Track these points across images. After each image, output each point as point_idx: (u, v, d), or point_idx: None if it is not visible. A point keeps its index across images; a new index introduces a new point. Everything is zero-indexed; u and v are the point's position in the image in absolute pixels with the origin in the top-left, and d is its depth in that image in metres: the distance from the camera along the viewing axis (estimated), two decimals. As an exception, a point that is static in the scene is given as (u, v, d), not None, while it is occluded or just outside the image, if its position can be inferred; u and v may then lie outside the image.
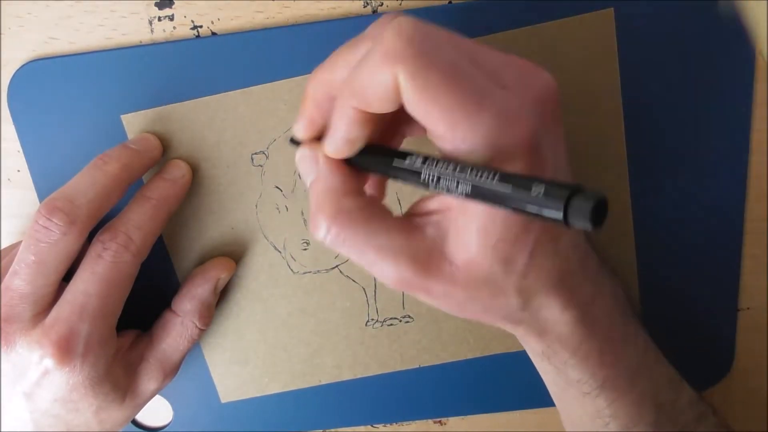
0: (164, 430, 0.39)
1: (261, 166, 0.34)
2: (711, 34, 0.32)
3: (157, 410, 0.39)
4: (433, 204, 0.26)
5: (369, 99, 0.24)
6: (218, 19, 0.33)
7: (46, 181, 0.35)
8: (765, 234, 0.35)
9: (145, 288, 0.33)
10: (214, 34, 0.33)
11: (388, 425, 0.39)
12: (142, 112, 0.34)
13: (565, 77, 0.32)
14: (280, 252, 0.36)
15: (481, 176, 0.22)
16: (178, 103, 0.33)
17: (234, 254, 0.36)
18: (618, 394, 0.29)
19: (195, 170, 0.34)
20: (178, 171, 0.34)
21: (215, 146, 0.34)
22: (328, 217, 0.26)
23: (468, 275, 0.25)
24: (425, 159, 0.24)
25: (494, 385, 0.38)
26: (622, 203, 0.34)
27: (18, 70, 0.34)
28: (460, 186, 0.22)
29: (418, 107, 0.23)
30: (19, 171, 0.35)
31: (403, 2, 0.32)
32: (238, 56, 0.33)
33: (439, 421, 0.39)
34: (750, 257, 0.35)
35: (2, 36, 0.34)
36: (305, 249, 0.35)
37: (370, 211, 0.26)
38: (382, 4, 0.32)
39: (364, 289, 0.36)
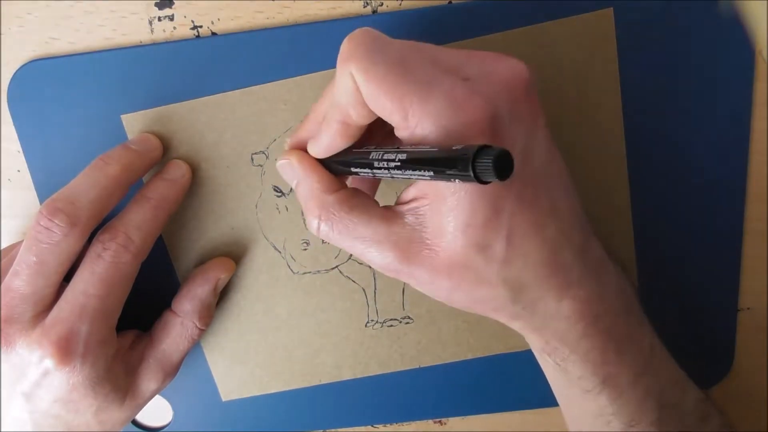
0: (164, 430, 0.39)
1: (261, 166, 0.34)
2: (711, 34, 0.32)
3: (156, 410, 0.39)
4: (411, 192, 0.27)
5: (344, 108, 0.26)
6: (218, 19, 0.33)
7: (46, 181, 0.35)
8: (765, 234, 0.35)
9: (145, 288, 0.33)
10: (214, 34, 0.33)
11: (388, 425, 0.39)
12: (142, 112, 0.34)
13: (565, 77, 0.33)
14: (280, 252, 0.36)
15: (415, 149, 0.24)
16: (178, 103, 0.33)
17: (234, 254, 0.36)
18: (620, 392, 0.29)
19: (195, 170, 0.34)
20: (178, 171, 0.34)
21: (215, 146, 0.34)
22: (315, 215, 0.28)
23: (448, 262, 0.26)
24: (376, 147, 0.26)
25: (494, 385, 0.38)
26: (621, 203, 0.34)
27: (18, 70, 0.34)
28: (397, 156, 0.24)
29: (374, 101, 0.25)
30: (19, 171, 0.35)
31: (402, 2, 0.32)
32: (238, 56, 0.33)
33: (439, 421, 0.39)
34: (750, 257, 0.35)
35: (2, 36, 0.34)
36: (305, 249, 0.35)
37: (353, 203, 0.27)
38: (382, 4, 0.32)
39: (364, 289, 0.36)
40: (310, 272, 0.36)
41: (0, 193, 0.36)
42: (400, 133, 0.25)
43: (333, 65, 0.32)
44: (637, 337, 0.30)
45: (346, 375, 0.38)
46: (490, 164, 0.20)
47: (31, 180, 0.35)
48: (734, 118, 0.33)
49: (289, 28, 0.33)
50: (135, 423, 0.39)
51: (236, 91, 0.33)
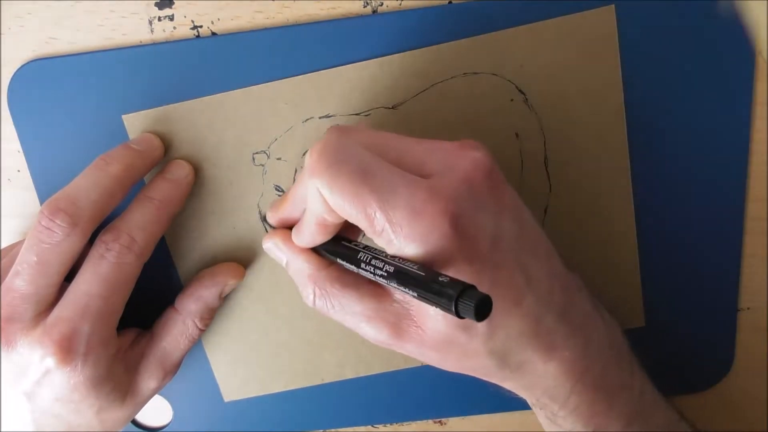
0: (164, 429, 0.39)
1: (262, 165, 0.34)
2: (711, 34, 0.32)
3: (156, 410, 0.39)
4: None
5: (319, 213, 0.27)
6: (218, 19, 0.33)
7: (46, 181, 0.35)
8: (765, 234, 0.35)
9: (147, 288, 0.33)
10: (214, 34, 0.33)
11: (389, 425, 0.39)
12: (143, 112, 0.34)
13: (567, 75, 0.33)
14: (280, 252, 0.36)
15: (402, 264, 0.25)
16: (179, 103, 0.33)
17: (235, 254, 0.36)
18: None
19: (196, 170, 0.34)
20: (182, 171, 0.34)
21: (216, 146, 0.34)
22: (309, 290, 0.29)
23: (434, 339, 0.27)
24: (365, 246, 0.28)
25: (494, 385, 0.37)
26: (623, 202, 0.34)
27: (18, 70, 0.34)
28: (385, 267, 0.25)
29: (341, 210, 0.26)
30: (19, 171, 0.35)
31: (402, 2, 0.32)
32: (238, 56, 0.33)
33: (440, 421, 0.39)
34: (750, 257, 0.35)
35: (2, 36, 0.34)
36: (306, 249, 0.35)
37: (345, 281, 0.29)
38: (382, 4, 0.32)
39: (364, 289, 0.36)
40: (310, 272, 0.36)
41: (0, 193, 0.36)
42: (370, 236, 0.26)
43: (333, 64, 0.33)
44: (626, 385, 0.30)
45: (349, 374, 0.38)
46: (472, 307, 0.22)
47: (31, 180, 0.35)
48: (734, 118, 0.33)
49: (289, 28, 0.33)
50: (135, 423, 0.39)
51: (237, 90, 0.33)
